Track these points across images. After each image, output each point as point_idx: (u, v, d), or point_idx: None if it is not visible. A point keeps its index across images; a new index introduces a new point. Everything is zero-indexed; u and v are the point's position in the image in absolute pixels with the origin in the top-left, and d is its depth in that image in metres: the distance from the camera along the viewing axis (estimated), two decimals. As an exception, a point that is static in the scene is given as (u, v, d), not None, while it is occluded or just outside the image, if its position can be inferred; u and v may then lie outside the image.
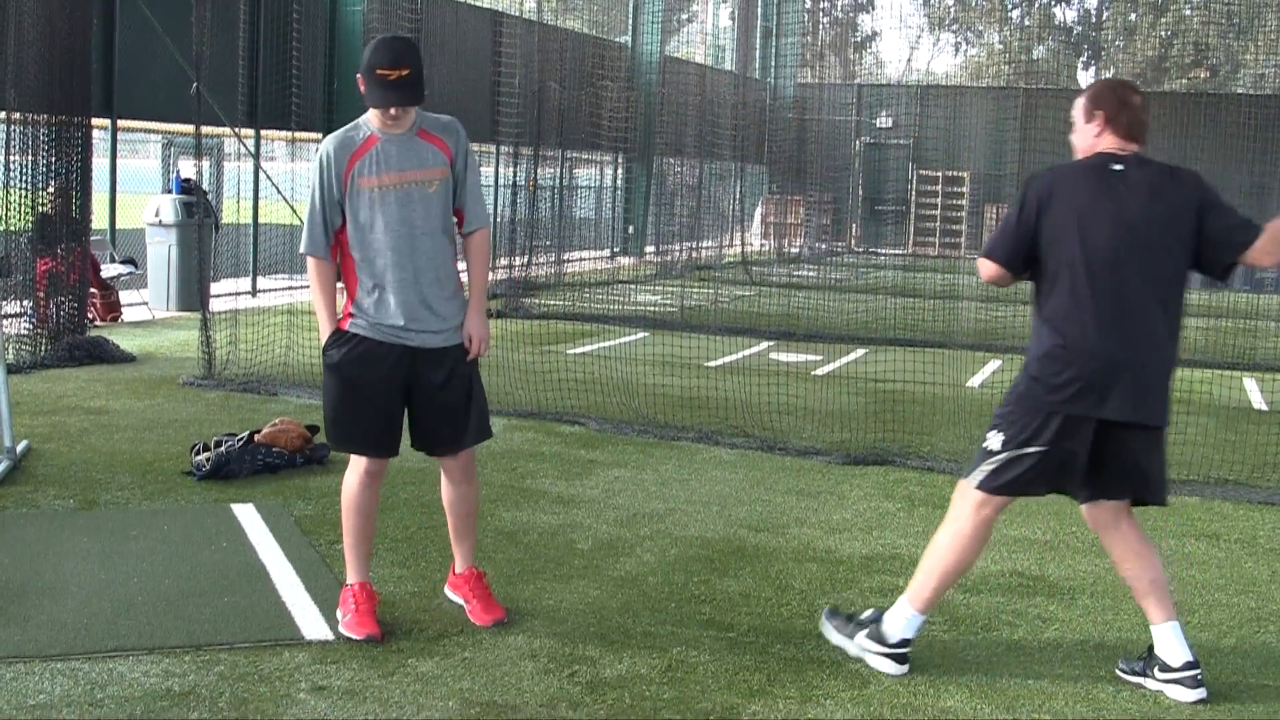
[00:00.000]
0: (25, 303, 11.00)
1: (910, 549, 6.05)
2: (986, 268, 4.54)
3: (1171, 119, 25.58)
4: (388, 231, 4.64)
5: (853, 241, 31.64)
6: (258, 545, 5.76)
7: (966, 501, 4.53)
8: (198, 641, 4.60)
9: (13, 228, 10.93)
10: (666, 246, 24.30)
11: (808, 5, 30.88)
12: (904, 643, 4.58)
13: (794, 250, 28.60)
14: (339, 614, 4.80)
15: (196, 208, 13.16)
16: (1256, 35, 30.02)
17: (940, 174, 30.97)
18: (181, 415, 8.63)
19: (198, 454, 7.02)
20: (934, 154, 31.07)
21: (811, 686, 4.44)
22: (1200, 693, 4.43)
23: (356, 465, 4.83)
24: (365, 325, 4.70)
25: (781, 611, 5.21)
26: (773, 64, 29.95)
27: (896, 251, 30.82)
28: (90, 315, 12.09)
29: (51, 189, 11.06)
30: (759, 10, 30.18)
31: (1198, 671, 4.45)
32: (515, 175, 18.80)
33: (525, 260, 18.33)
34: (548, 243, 20.38)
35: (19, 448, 7.12)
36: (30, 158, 10.89)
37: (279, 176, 16.12)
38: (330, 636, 4.70)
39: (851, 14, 41.18)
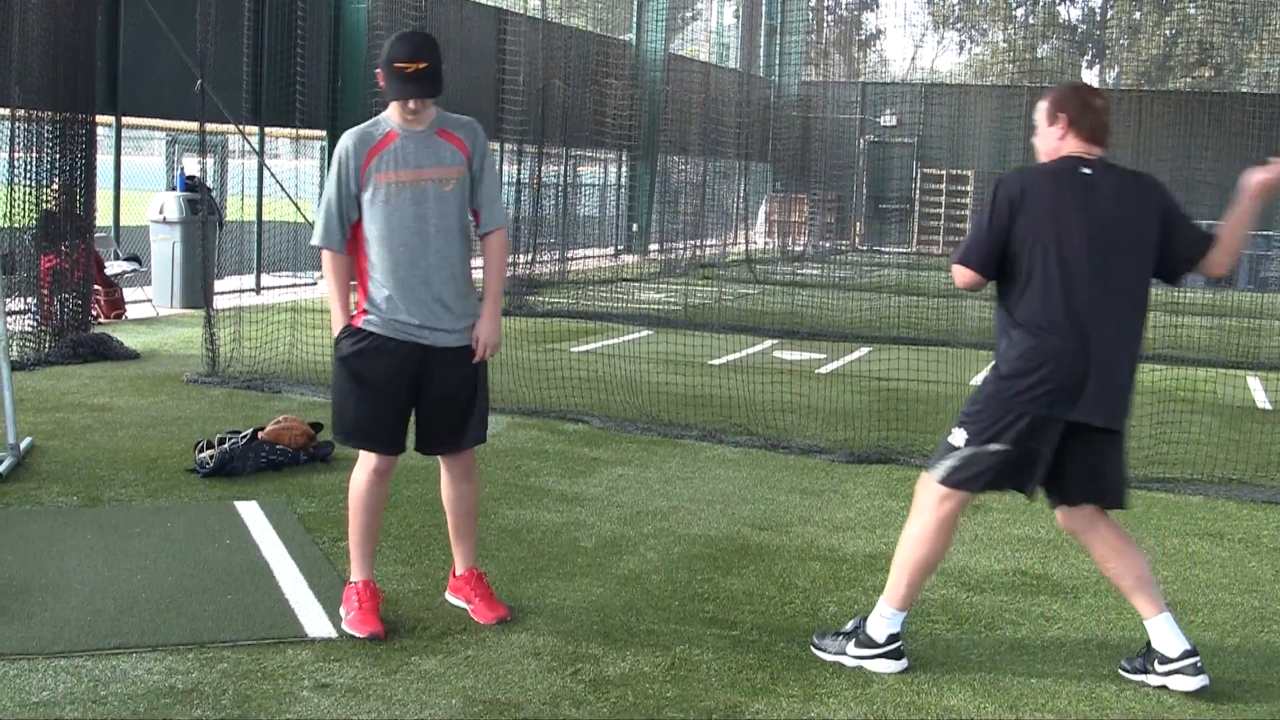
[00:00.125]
0: (29, 299, 11.00)
1: (913, 548, 6.04)
2: (962, 274, 4.54)
3: (1176, 118, 25.51)
4: (401, 228, 4.65)
5: (857, 240, 31.60)
6: (261, 543, 5.76)
7: (930, 495, 4.55)
8: (201, 639, 4.60)
9: (17, 224, 10.95)
10: (670, 244, 24.30)
11: (812, 3, 30.81)
12: (894, 638, 4.57)
13: (798, 248, 28.61)
14: (342, 612, 4.80)
15: (201, 205, 13.14)
16: (1261, 34, 29.98)
17: (944, 172, 30.91)
18: (185, 412, 8.64)
19: (201, 451, 7.03)
20: (938, 152, 31.02)
21: (815, 685, 4.44)
22: (1203, 679, 4.42)
23: (365, 463, 4.84)
24: (379, 322, 4.71)
25: (785, 610, 5.21)
26: (777, 62, 29.92)
27: (900, 250, 30.80)
28: (94, 312, 12.09)
29: (56, 186, 11.08)
30: (763, 8, 30.13)
31: (1197, 659, 4.44)
32: (519, 173, 18.77)
33: (529, 258, 18.31)
34: (552, 240, 20.39)
35: (23, 444, 7.13)
36: (35, 155, 10.91)
37: (283, 174, 16.12)
38: (333, 634, 4.70)
39: (856, 12, 41.21)
